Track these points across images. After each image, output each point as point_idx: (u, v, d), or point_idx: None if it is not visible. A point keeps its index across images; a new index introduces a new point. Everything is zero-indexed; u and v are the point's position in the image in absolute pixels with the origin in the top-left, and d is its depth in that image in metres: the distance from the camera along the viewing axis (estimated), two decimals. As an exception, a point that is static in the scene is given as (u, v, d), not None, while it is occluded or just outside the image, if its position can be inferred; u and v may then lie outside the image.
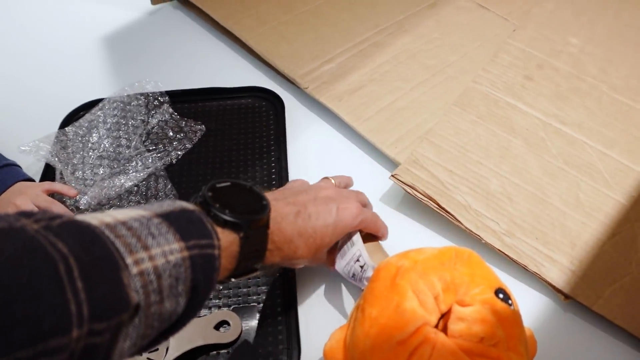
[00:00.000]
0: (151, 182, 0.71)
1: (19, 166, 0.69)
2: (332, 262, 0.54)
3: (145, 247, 0.33)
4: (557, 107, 0.75)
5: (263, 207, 0.44)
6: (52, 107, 0.80)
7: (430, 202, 0.63)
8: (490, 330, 0.40)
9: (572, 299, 0.57)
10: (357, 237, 0.53)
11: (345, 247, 0.52)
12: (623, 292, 0.57)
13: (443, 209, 0.62)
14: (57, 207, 0.63)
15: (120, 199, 0.69)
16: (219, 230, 0.39)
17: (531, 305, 0.58)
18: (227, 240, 0.40)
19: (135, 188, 0.70)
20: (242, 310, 0.57)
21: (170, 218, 0.36)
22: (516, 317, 0.44)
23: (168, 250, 0.34)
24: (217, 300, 0.58)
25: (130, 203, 0.69)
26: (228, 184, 0.45)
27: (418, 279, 0.43)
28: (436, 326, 0.42)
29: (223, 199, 0.42)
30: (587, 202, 0.64)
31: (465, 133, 0.70)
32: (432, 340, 0.40)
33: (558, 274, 0.58)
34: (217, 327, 0.55)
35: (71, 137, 0.76)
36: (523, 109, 0.74)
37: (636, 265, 0.59)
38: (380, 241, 0.57)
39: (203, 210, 0.40)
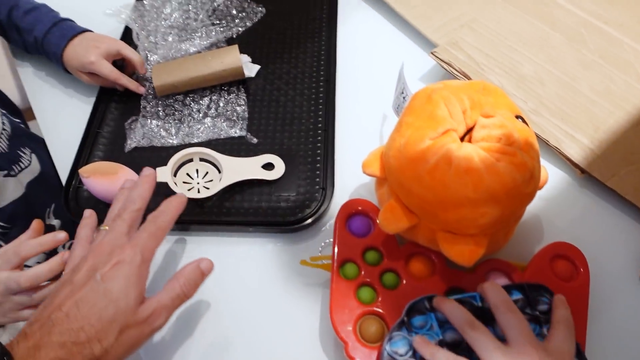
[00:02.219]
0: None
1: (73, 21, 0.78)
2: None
3: None
4: (601, 8, 0.76)
5: None
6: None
7: (465, 79, 0.67)
8: (507, 133, 0.46)
9: (587, 174, 0.61)
10: (402, 72, 0.59)
11: (396, 84, 0.59)
12: (638, 173, 0.61)
13: (476, 84, 0.66)
14: None
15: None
16: None
17: (549, 177, 0.63)
18: None
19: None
20: (285, 157, 0.65)
21: None
22: (531, 133, 0.49)
23: None
24: (263, 147, 0.66)
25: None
26: None
27: (450, 95, 0.49)
28: (462, 139, 0.48)
29: None
30: (617, 93, 0.67)
31: (507, 23, 0.74)
32: (458, 142, 0.47)
33: (577, 151, 0.62)
34: (263, 167, 0.63)
35: (148, 7, 0.85)
36: (568, 8, 0.76)
37: (655, 150, 0.62)
38: None
39: None
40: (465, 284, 0.52)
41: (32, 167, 0.73)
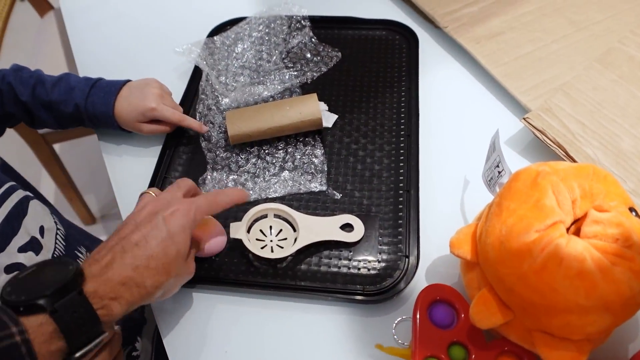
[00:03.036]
0: (286, 96, 0.76)
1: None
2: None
3: None
4: None
5: (66, 274, 0.42)
6: (203, 18, 0.87)
7: (559, 149, 0.63)
8: (625, 234, 0.43)
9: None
10: (497, 142, 0.55)
11: (488, 152, 0.56)
12: None
13: (571, 157, 0.62)
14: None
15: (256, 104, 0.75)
16: (22, 318, 0.39)
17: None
18: (33, 323, 0.39)
19: (271, 99, 0.76)
20: (364, 218, 0.61)
21: None
22: None
23: None
24: (340, 205, 0.63)
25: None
26: (31, 269, 0.44)
27: (559, 181, 0.46)
28: (567, 230, 0.45)
29: (22, 286, 0.42)
30: None
31: (604, 90, 0.69)
32: (567, 235, 0.43)
33: (681, 240, 0.57)
34: (342, 227, 0.60)
35: (218, 45, 0.83)
36: (670, 76, 0.71)
37: None
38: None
39: (3, 305, 0.40)
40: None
41: None
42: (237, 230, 0.58)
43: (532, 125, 0.65)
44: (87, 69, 0.86)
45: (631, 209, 0.46)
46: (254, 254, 0.58)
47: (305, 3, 0.88)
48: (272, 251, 0.59)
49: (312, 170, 0.67)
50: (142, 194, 0.59)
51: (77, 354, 0.41)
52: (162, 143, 0.72)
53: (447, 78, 0.77)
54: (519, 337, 0.47)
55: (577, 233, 0.45)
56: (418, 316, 0.50)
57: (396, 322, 0.55)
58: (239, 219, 0.60)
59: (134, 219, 0.49)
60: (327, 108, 0.73)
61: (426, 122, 0.71)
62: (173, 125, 0.71)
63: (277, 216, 0.62)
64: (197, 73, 0.80)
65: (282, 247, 0.59)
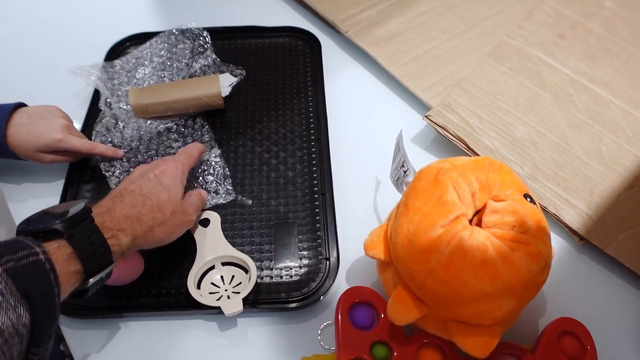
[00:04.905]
0: (189, 122, 0.74)
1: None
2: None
3: None
4: (586, 66, 0.77)
5: (77, 207, 0.46)
6: (100, 36, 0.84)
7: (460, 143, 0.66)
8: (521, 220, 0.46)
9: (586, 241, 0.61)
10: (401, 142, 0.57)
11: (394, 153, 0.58)
12: (635, 238, 0.61)
13: (471, 150, 0.66)
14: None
15: (159, 135, 0.72)
16: (44, 244, 0.41)
17: (547, 244, 0.62)
18: (53, 246, 0.42)
19: (175, 127, 0.73)
20: (282, 225, 0.62)
21: None
22: (542, 216, 0.49)
23: None
24: (257, 215, 0.63)
25: (169, 140, 0.72)
26: (42, 210, 0.47)
27: (458, 177, 0.48)
28: (470, 221, 0.47)
29: (36, 219, 0.45)
30: (608, 155, 0.67)
31: (497, 83, 0.73)
32: (469, 227, 0.46)
33: (575, 217, 0.62)
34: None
35: (118, 69, 0.79)
36: (554, 65, 0.77)
37: (650, 215, 0.63)
38: None
39: (21, 234, 0.43)
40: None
41: None
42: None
43: (434, 122, 0.68)
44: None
45: (526, 196, 0.50)
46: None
47: (208, 15, 0.87)
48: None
49: (215, 185, 0.66)
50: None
51: (92, 280, 0.45)
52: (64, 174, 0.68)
53: (352, 81, 0.79)
54: (437, 328, 0.49)
55: (479, 224, 0.48)
56: (340, 320, 0.51)
57: (321, 327, 0.56)
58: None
59: (128, 179, 0.55)
60: (233, 81, 0.73)
61: (335, 125, 0.72)
62: (80, 155, 0.67)
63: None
64: (96, 97, 0.76)
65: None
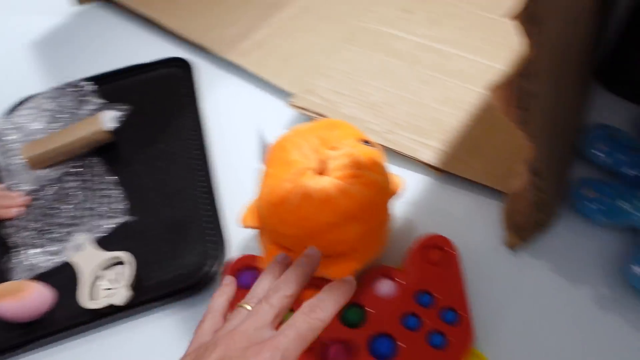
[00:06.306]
0: (86, 161, 0.80)
1: None
2: None
3: None
4: (431, 31, 0.87)
5: None
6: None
7: (322, 117, 0.74)
8: (355, 159, 0.54)
9: (444, 172, 0.69)
10: (262, 135, 0.67)
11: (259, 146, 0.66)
12: (486, 161, 0.69)
13: (333, 121, 0.74)
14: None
15: (60, 181, 0.78)
16: None
17: (412, 183, 0.70)
18: None
19: (74, 171, 0.79)
20: (179, 227, 0.69)
21: None
22: (375, 152, 0.57)
23: None
24: (152, 226, 0.70)
25: (70, 183, 0.78)
26: None
27: (298, 139, 0.56)
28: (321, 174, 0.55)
29: None
30: (455, 98, 0.76)
31: (351, 62, 0.82)
32: (315, 177, 0.54)
33: (431, 155, 0.70)
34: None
35: (9, 128, 0.85)
36: (401, 36, 0.86)
37: (495, 139, 0.71)
38: None
39: None
40: (356, 294, 0.56)
41: None
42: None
43: (297, 106, 0.76)
44: None
45: (364, 142, 0.58)
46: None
47: (90, 62, 0.94)
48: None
49: (107, 209, 0.73)
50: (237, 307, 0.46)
51: None
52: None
53: (229, 94, 0.87)
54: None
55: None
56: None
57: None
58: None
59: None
60: (116, 115, 0.80)
61: (221, 133, 0.81)
62: None
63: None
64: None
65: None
